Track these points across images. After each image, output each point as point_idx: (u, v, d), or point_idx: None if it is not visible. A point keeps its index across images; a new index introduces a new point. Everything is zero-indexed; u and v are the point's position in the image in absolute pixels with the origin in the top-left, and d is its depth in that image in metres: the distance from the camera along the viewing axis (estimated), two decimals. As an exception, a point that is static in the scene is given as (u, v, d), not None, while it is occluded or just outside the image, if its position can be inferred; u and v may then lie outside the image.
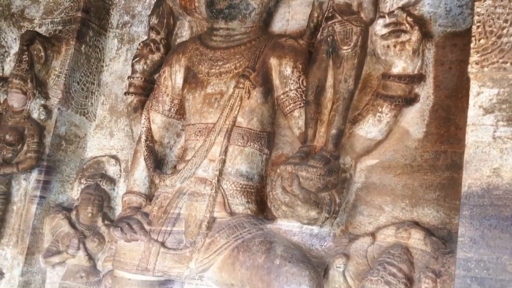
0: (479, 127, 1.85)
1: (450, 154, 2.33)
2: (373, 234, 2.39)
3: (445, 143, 2.35)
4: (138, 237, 2.67)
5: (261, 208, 2.78)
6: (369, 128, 2.42)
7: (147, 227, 2.72)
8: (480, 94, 1.86)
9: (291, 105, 2.70)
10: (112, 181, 3.41)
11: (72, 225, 3.22)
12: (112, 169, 3.45)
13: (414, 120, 2.44)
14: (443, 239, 2.20)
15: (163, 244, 2.63)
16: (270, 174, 2.83)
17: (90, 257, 3.17)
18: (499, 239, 1.73)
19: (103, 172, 3.44)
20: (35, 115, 3.28)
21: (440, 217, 2.31)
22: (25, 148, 3.23)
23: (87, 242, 3.19)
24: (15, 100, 3.28)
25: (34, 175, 3.25)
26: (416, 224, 2.32)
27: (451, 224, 2.27)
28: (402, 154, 2.46)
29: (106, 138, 3.58)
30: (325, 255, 2.43)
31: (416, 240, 2.24)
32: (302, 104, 2.63)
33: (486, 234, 1.77)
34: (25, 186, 3.25)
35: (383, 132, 2.44)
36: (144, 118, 3.06)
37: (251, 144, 2.71)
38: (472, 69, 1.88)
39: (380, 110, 2.38)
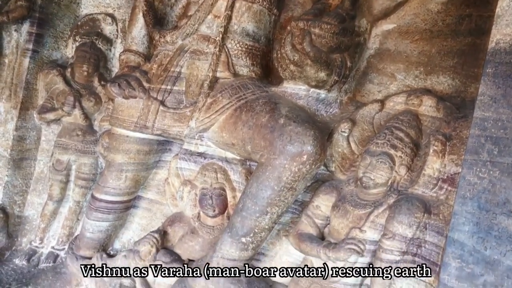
0: (518, -23, 1.67)
1: (474, 18, 2.16)
2: (382, 101, 2.30)
3: (471, 6, 2.17)
4: (136, 93, 2.56)
5: (266, 73, 2.66)
6: (390, -13, 2.22)
7: (146, 84, 2.61)
8: None
9: (307, -43, 2.46)
10: (108, 40, 3.23)
11: (67, 82, 3.09)
12: (108, 28, 3.24)
13: (441, -20, 2.23)
14: (456, 105, 2.11)
15: (162, 102, 2.54)
16: (277, 37, 2.67)
17: (86, 116, 3.08)
18: (522, 98, 1.64)
19: (99, 30, 3.24)
20: (23, -40, 2.99)
21: (455, 85, 2.21)
22: (15, -4, 2.99)
23: (83, 100, 3.08)
24: None
25: (26, 27, 3.04)
26: (429, 92, 2.22)
27: (466, 92, 2.17)
28: (423, 18, 2.29)
29: (102, -6, 3.32)
30: (330, 121, 2.36)
31: (427, 107, 2.16)
32: (319, -43, 2.39)
33: (509, 93, 1.66)
34: (16, 38, 3.05)
35: (405, -8, 2.24)
36: (143, -30, 2.80)
37: (260, 1, 2.51)
38: None
39: (405, -35, 2.17)
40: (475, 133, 1.74)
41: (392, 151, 2.10)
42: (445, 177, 2.00)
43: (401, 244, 1.97)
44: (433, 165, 2.01)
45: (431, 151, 2.02)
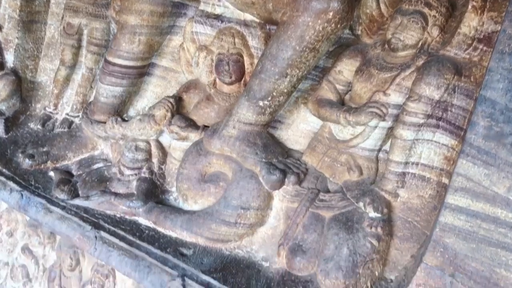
0: None
1: None
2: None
3: None
4: None
5: None
6: None
7: None
8: None
9: None
10: None
11: None
12: None
13: None
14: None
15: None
16: None
17: (96, -27, 2.89)
18: None
19: None
20: None
21: None
22: None
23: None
24: None
25: None
26: None
27: None
28: None
29: None
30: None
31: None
32: None
33: None
34: None
35: None
36: None
37: None
38: None
39: None
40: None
41: (426, 10, 1.94)
42: (481, 37, 1.86)
43: (426, 106, 1.90)
44: (470, 23, 1.87)
45: (469, 7, 1.85)
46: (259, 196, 2.17)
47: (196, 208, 2.33)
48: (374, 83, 2.05)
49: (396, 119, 2.00)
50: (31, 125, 3.01)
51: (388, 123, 2.03)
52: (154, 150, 2.56)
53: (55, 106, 3.07)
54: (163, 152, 2.60)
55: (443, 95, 1.88)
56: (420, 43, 1.99)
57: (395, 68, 2.01)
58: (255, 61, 2.38)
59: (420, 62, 1.95)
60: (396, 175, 2.00)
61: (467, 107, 1.87)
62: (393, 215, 2.03)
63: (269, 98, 2.15)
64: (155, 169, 2.55)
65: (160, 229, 2.32)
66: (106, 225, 2.33)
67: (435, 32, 1.95)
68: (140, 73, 2.72)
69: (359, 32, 2.21)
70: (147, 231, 2.32)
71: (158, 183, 2.53)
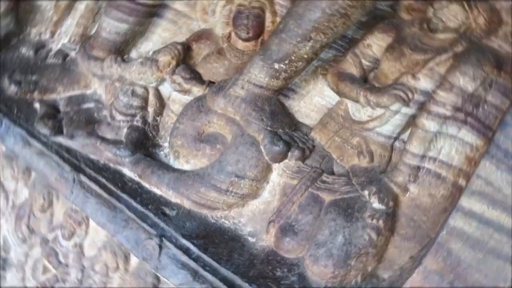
0: None
1: None
2: None
3: None
4: None
5: None
6: None
7: None
8: None
9: None
10: None
11: None
12: None
13: None
14: None
15: None
16: None
17: None
18: None
19: None
20: None
21: None
22: None
23: None
24: None
25: None
26: None
27: None
28: None
29: None
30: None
31: None
32: None
33: None
34: None
35: None
36: None
37: None
38: None
39: None
40: None
41: (475, -7, 1.76)
42: (532, 30, 1.69)
43: (457, 98, 1.71)
44: (524, 13, 1.69)
45: (525, -4, 1.67)
46: (257, 166, 2.01)
47: (187, 168, 2.17)
48: (404, 64, 1.86)
49: (421, 107, 1.82)
50: (23, 50, 2.79)
51: (411, 110, 1.85)
52: (152, 99, 2.39)
53: (52, 34, 2.85)
54: (161, 102, 2.43)
55: (478, 88, 1.70)
56: (462, 28, 1.80)
57: (430, 51, 1.83)
58: (278, 20, 2.19)
59: (459, 48, 1.77)
60: (410, 168, 1.83)
61: (501, 106, 1.69)
62: (398, 210, 1.86)
63: (286, 62, 1.97)
64: (149, 119, 2.38)
65: (144, 183, 2.18)
66: (87, 170, 2.19)
67: (481, 19, 1.77)
68: (150, 12, 2.52)
69: (398, 6, 2.01)
70: (130, 183, 2.17)
71: (150, 134, 2.36)
